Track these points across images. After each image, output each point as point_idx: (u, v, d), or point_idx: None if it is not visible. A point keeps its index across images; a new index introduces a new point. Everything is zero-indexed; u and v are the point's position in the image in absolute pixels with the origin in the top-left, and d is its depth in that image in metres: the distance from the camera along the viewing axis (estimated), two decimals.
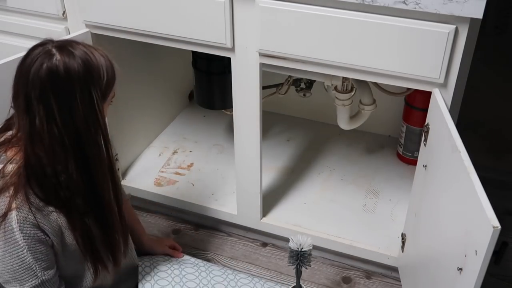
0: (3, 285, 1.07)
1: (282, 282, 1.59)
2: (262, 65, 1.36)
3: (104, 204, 1.08)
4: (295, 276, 1.38)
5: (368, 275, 1.62)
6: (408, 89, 1.71)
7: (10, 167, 1.01)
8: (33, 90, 0.96)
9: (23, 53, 1.19)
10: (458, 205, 1.01)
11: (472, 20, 1.11)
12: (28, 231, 1.00)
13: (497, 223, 0.84)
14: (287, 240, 1.64)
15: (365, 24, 1.18)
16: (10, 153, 1.03)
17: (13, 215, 0.99)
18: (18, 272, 1.02)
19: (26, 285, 1.04)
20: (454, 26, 1.12)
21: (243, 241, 1.75)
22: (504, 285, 1.59)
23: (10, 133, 1.06)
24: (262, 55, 1.33)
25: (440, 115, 1.15)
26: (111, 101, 1.10)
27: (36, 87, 0.96)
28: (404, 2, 1.12)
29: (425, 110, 1.29)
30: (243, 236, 1.76)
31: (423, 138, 1.28)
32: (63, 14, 1.50)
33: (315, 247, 1.31)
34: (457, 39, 1.14)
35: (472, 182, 0.93)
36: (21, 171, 1.00)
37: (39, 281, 1.04)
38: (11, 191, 0.99)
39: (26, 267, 1.02)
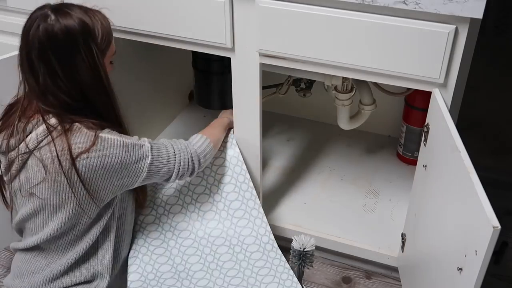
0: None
1: None
2: (262, 65, 1.36)
3: None
4: (295, 276, 1.38)
5: (368, 275, 1.62)
6: (408, 89, 1.71)
7: (53, 120, 1.10)
8: (33, 50, 1.07)
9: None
10: (458, 205, 1.01)
11: (472, 20, 1.11)
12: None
13: (497, 223, 0.84)
14: (287, 240, 1.64)
15: (365, 24, 1.18)
16: (35, 118, 1.12)
17: (100, 133, 1.12)
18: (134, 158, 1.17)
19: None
20: (454, 26, 1.12)
21: None
22: (504, 285, 1.59)
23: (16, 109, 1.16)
24: (262, 55, 1.33)
25: (440, 115, 1.15)
26: (111, 61, 1.20)
27: (35, 47, 1.07)
28: (404, 2, 1.12)
29: (425, 110, 1.29)
30: None
31: (423, 138, 1.28)
32: None
33: (315, 247, 1.31)
34: (457, 39, 1.14)
35: (472, 182, 0.93)
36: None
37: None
38: (80, 130, 1.11)
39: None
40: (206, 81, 1.70)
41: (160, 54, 1.89)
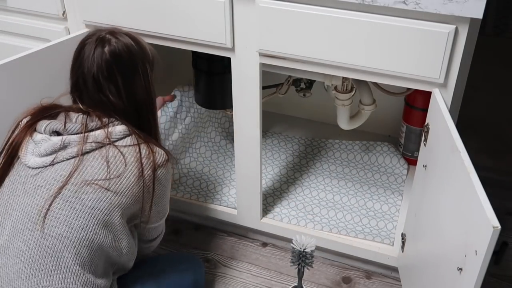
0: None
1: (282, 282, 1.59)
2: (262, 65, 1.36)
3: None
4: (295, 276, 1.39)
5: (368, 275, 1.62)
6: (408, 89, 1.71)
7: (119, 128, 1.13)
8: (101, 72, 1.11)
9: (29, 51, 1.30)
10: (458, 205, 1.01)
11: (472, 20, 1.12)
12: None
13: (497, 223, 0.84)
14: (287, 240, 1.64)
15: (365, 24, 1.18)
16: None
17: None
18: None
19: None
20: (454, 26, 1.12)
21: (243, 241, 1.75)
22: (504, 285, 1.59)
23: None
24: (262, 55, 1.33)
25: (440, 115, 1.15)
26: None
27: (103, 69, 1.11)
28: (404, 2, 1.12)
29: (425, 110, 1.30)
30: (243, 236, 1.76)
31: (423, 138, 1.28)
32: (63, 14, 1.50)
33: (315, 247, 1.31)
34: (457, 39, 1.14)
35: (472, 182, 0.93)
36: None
37: None
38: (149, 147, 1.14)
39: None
40: (206, 81, 1.70)
41: (160, 54, 1.88)
